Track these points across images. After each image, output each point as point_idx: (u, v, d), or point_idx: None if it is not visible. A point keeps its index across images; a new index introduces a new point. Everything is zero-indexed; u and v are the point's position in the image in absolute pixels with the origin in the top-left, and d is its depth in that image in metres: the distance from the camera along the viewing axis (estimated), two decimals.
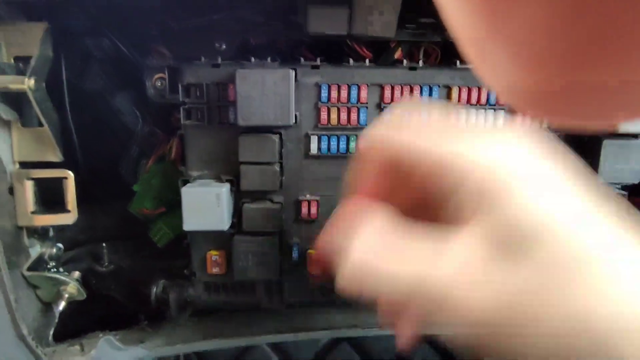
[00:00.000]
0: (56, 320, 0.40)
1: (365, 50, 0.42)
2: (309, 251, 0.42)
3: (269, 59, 0.39)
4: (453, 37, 0.12)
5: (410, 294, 0.18)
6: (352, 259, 0.19)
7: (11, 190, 0.34)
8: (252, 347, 0.75)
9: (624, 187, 0.42)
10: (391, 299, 0.19)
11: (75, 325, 0.46)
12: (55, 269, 0.39)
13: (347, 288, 0.19)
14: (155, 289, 0.43)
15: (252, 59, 0.39)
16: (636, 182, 0.42)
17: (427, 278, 0.17)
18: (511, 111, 0.40)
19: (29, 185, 0.34)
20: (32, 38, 0.32)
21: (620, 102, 0.10)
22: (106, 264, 0.52)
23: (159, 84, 0.42)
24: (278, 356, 0.77)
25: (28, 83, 0.30)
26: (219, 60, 0.39)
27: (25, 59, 0.33)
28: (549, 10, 0.09)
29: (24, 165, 0.35)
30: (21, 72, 0.33)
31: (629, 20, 0.08)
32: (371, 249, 0.19)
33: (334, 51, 0.42)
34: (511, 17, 0.09)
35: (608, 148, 0.40)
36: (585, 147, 0.42)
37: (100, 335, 0.45)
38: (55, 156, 0.34)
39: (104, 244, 0.51)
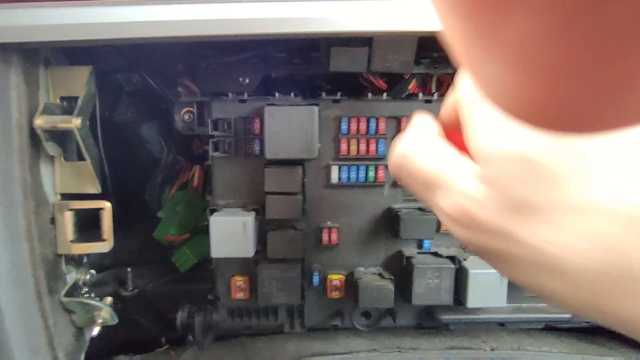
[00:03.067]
0: (87, 345, 0.41)
1: (380, 81, 0.44)
2: (329, 276, 0.44)
3: (292, 94, 0.41)
4: (449, 52, 0.12)
5: (429, 187, 0.20)
6: (396, 149, 0.23)
7: (53, 220, 0.36)
8: None
9: None
10: (415, 187, 0.22)
11: (101, 348, 0.47)
12: (87, 294, 0.41)
13: (391, 172, 0.24)
14: (180, 314, 0.44)
15: (277, 94, 0.41)
16: None
17: (445, 178, 0.20)
18: None
19: (69, 216, 0.36)
20: (78, 80, 0.35)
21: (622, 111, 0.10)
22: (130, 288, 0.53)
23: (187, 117, 0.45)
24: None
25: (75, 122, 0.33)
26: (245, 96, 0.41)
27: (70, 99, 0.36)
28: (545, 18, 0.09)
29: (65, 196, 0.37)
30: (66, 111, 0.36)
31: (625, 28, 0.08)
32: (411, 143, 0.23)
33: (351, 82, 0.45)
34: (506, 27, 0.09)
35: None
36: None
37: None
38: (95, 188, 0.37)
39: (128, 269, 0.53)
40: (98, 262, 0.52)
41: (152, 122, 0.53)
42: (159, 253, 0.55)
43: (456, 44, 0.12)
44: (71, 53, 0.39)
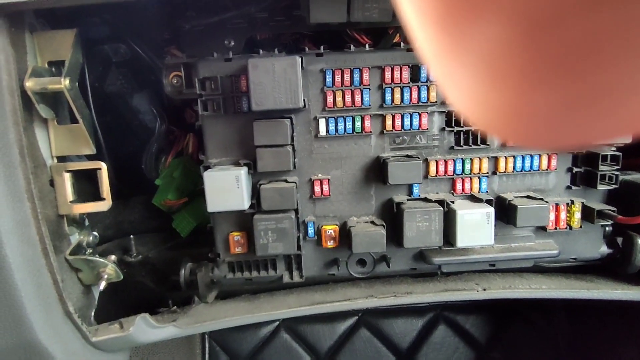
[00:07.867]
0: (96, 302, 0.43)
1: (364, 37, 0.45)
2: (324, 227, 0.45)
3: (276, 50, 0.42)
4: (419, 56, 0.12)
5: None
6: None
7: (52, 183, 0.38)
8: (274, 336, 0.79)
9: (619, 149, 0.45)
10: None
11: (111, 314, 0.49)
12: (92, 255, 0.42)
13: None
14: (183, 272, 0.46)
15: (261, 51, 0.42)
16: (629, 141, 0.44)
17: None
18: None
19: (67, 177, 0.38)
20: (64, 43, 0.36)
21: (586, 123, 0.10)
22: (134, 254, 0.55)
23: (175, 81, 0.46)
24: (299, 344, 0.80)
25: (64, 82, 0.34)
26: (230, 54, 0.42)
27: (57, 63, 0.37)
28: (511, 26, 0.09)
29: (61, 159, 0.39)
30: (54, 75, 0.37)
31: (589, 41, 0.08)
32: None
33: (335, 42, 0.45)
34: (474, 33, 0.10)
35: None
36: None
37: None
38: (90, 149, 0.38)
39: (131, 236, 0.55)
40: (101, 234, 0.53)
41: (143, 92, 0.54)
42: (160, 222, 0.57)
43: (427, 52, 0.12)
44: (54, 21, 0.40)
